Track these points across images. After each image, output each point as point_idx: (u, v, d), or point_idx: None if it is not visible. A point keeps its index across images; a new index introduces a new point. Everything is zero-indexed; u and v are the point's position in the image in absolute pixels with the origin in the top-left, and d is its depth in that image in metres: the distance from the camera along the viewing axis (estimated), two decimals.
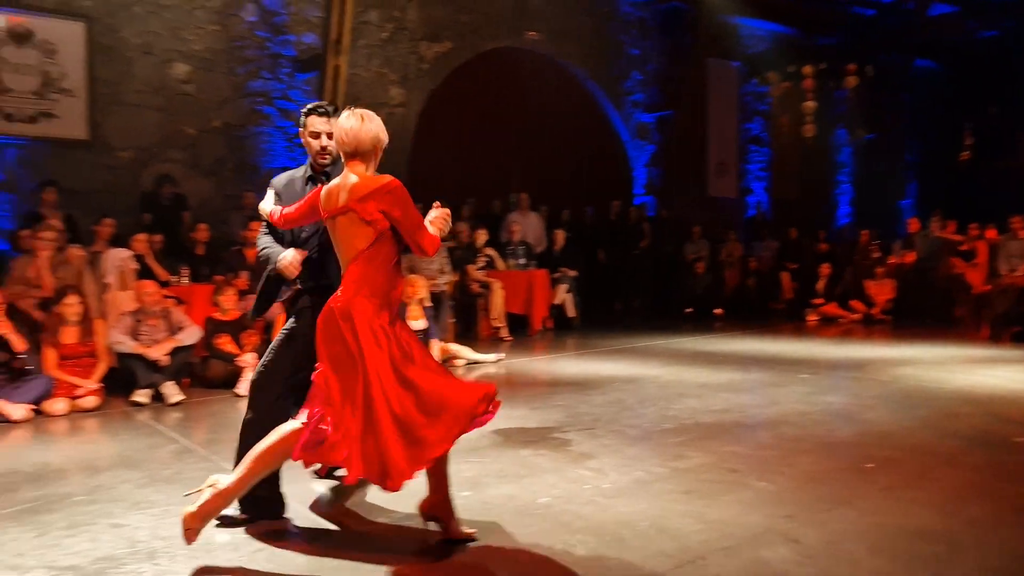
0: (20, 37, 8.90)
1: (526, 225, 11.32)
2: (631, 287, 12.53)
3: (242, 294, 7.08)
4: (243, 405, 3.57)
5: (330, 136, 3.39)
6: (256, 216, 4.24)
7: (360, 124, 3.04)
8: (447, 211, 3.15)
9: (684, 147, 14.43)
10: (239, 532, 3.30)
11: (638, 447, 4.64)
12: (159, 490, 3.92)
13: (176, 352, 6.23)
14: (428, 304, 7.91)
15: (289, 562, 3.04)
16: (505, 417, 5.42)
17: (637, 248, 12.63)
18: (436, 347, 7.60)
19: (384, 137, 3.12)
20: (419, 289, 7.71)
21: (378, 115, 3.16)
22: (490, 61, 12.39)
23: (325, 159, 3.48)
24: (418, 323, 7.54)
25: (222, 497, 2.99)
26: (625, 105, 14.17)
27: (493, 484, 3.95)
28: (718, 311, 12.06)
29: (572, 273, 10.95)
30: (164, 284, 7.18)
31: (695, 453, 4.47)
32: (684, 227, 13.49)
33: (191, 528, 2.96)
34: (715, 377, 6.91)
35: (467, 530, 3.19)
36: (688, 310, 12.14)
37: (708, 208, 14.53)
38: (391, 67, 11.35)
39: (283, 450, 3.00)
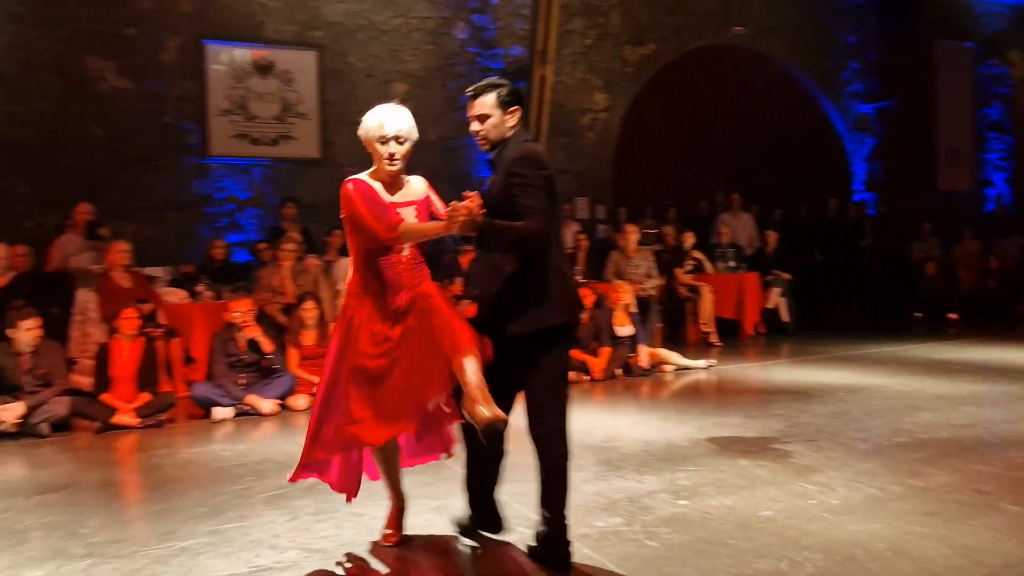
0: (264, 68, 9.88)
1: (736, 226, 10.96)
2: (850, 290, 11.75)
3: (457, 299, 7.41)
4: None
5: (481, 120, 3.05)
6: None
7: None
8: (461, 204, 2.76)
9: (909, 138, 13.35)
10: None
11: (869, 462, 4.35)
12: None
13: None
14: (634, 310, 7.87)
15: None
16: (720, 425, 5.30)
17: (857, 248, 11.83)
18: (644, 352, 7.55)
19: (369, 130, 3.08)
20: (625, 295, 7.70)
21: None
22: (695, 61, 12.14)
23: (483, 146, 3.12)
24: (625, 329, 7.53)
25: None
26: (842, 97, 13.36)
27: (711, 494, 3.86)
28: (952, 316, 11.01)
29: (786, 276, 10.45)
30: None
31: (935, 471, 4.12)
32: (910, 224, 12.48)
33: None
34: (953, 388, 6.33)
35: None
36: (917, 315, 11.19)
37: (937, 203, 13.33)
38: (595, 73, 11.44)
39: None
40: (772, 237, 10.79)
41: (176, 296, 7.52)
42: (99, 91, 9.22)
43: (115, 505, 4.16)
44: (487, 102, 3.02)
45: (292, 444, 5.26)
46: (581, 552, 3.15)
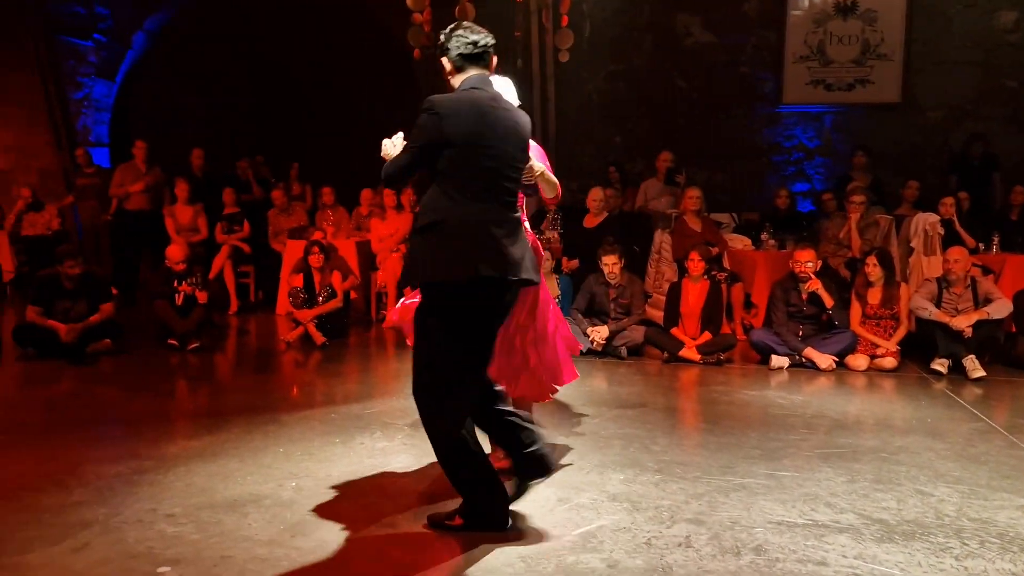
0: (846, 9, 9.43)
1: None
2: None
3: None
4: None
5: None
6: None
7: None
8: None
9: None
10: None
11: None
12: (964, 467, 3.78)
13: (980, 325, 5.88)
14: None
15: None
16: None
17: None
18: None
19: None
20: None
21: None
22: None
23: None
24: None
25: None
26: None
27: None
28: None
29: None
30: (972, 251, 6.81)
31: None
32: None
33: None
34: None
35: None
36: None
37: None
38: None
39: None
40: None
41: (741, 242, 7.78)
42: (685, 46, 9.87)
43: (680, 430, 4.55)
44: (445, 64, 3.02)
45: (848, 403, 5.10)
46: None
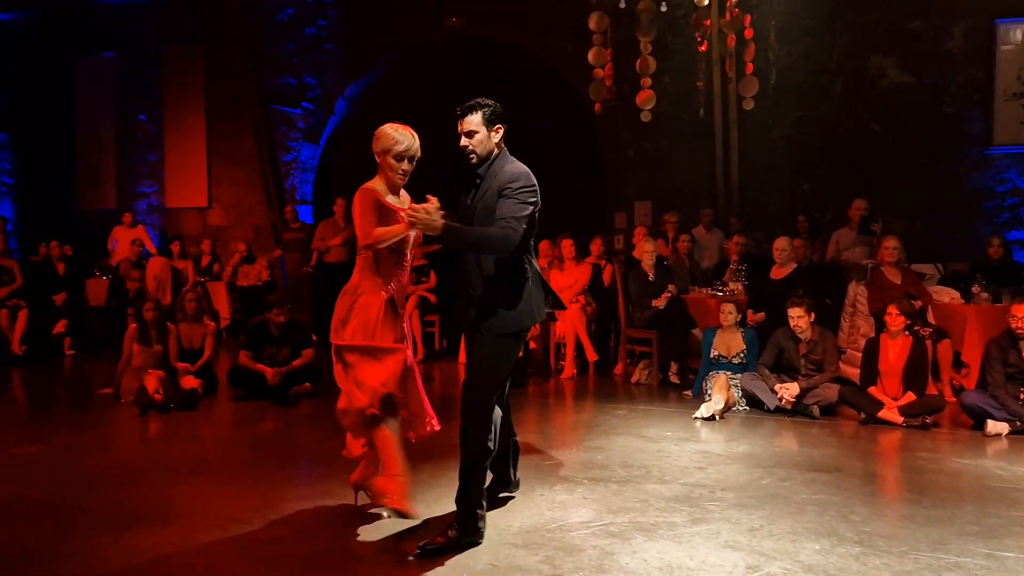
0: None
1: None
2: None
3: None
4: None
5: (469, 136, 3.34)
6: None
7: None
8: (420, 206, 3.10)
9: None
10: None
11: None
12: None
13: None
14: None
15: None
16: None
17: None
18: None
19: (392, 148, 3.44)
20: None
21: None
22: None
23: (471, 159, 3.37)
24: None
25: None
26: None
27: None
28: None
29: None
30: None
31: None
32: None
33: None
34: None
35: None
36: None
37: None
38: None
39: None
40: None
41: (947, 295, 7.16)
42: (879, 87, 9.38)
43: (881, 499, 4.19)
44: (474, 120, 3.32)
45: None
46: None
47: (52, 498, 4.03)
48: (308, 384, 6.73)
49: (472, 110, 3.33)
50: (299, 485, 4.28)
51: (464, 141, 3.34)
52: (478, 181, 3.37)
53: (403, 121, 3.56)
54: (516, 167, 3.33)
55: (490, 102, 3.37)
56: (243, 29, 11.45)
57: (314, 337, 7.90)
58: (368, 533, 3.52)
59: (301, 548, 3.34)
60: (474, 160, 3.35)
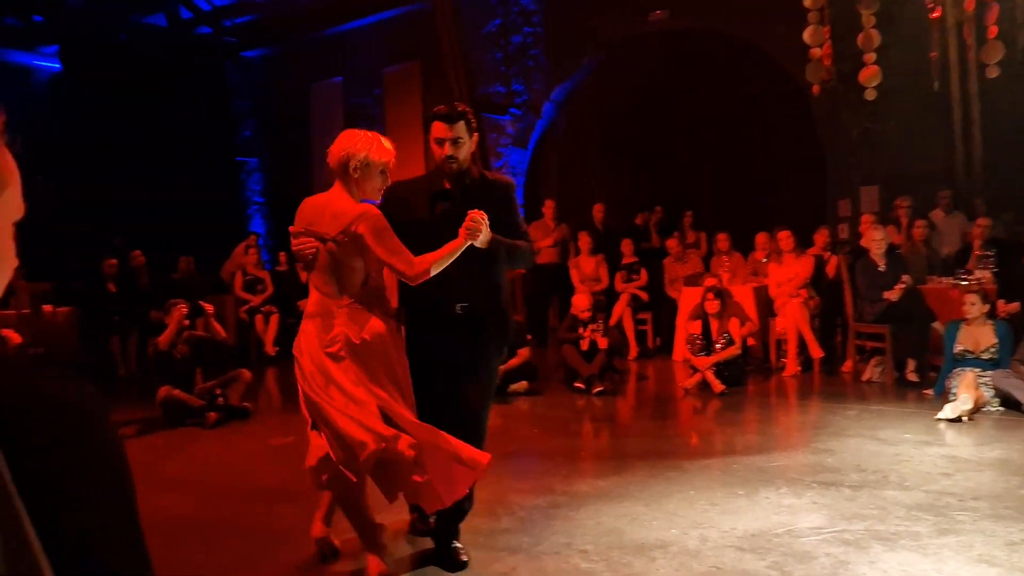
0: None
1: None
2: None
3: None
4: None
5: (455, 144, 3.19)
6: None
7: (337, 141, 3.08)
8: (478, 213, 2.99)
9: None
10: None
11: None
12: None
13: None
14: None
15: None
16: None
17: None
18: None
19: (358, 155, 3.04)
20: None
21: None
22: None
23: (452, 167, 3.22)
24: None
25: None
26: None
27: None
28: None
29: None
30: None
31: None
32: None
33: None
34: None
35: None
36: None
37: None
38: None
39: None
40: None
41: None
42: None
43: None
44: (460, 128, 3.18)
45: None
46: None
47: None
48: (525, 382, 6.92)
49: (459, 118, 3.20)
50: (522, 480, 4.42)
51: (450, 149, 3.19)
52: (460, 189, 3.25)
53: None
54: (494, 174, 3.54)
55: (469, 109, 3.30)
56: (455, 43, 12.00)
57: (528, 336, 8.12)
58: (587, 529, 3.56)
59: (523, 539, 3.45)
60: (455, 167, 3.22)
